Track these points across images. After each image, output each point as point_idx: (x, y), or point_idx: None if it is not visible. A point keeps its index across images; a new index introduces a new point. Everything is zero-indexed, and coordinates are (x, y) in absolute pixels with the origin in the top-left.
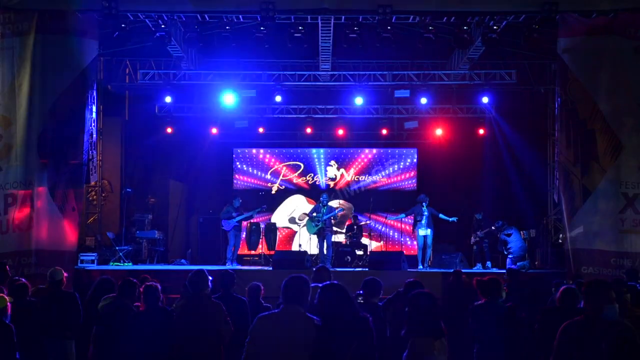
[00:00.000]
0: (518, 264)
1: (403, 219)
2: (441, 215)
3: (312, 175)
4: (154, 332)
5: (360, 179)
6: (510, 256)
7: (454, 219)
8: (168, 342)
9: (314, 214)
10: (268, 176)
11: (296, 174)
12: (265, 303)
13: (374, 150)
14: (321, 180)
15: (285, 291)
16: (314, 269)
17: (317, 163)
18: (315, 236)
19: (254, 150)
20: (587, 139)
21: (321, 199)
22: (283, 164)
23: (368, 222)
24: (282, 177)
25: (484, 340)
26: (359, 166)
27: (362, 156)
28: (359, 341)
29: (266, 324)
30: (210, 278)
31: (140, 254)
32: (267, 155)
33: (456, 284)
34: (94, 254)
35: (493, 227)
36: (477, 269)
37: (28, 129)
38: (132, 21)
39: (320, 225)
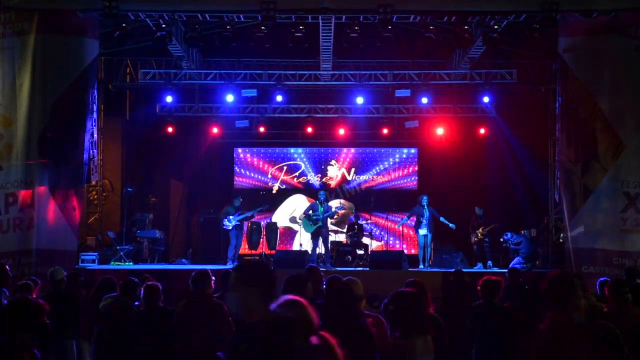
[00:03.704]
0: (521, 265)
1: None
2: (442, 219)
3: (313, 174)
4: (155, 332)
5: (361, 178)
6: (519, 258)
7: (453, 225)
8: (169, 341)
9: (311, 212)
10: (269, 175)
11: (297, 173)
12: None
13: (375, 150)
14: (322, 179)
15: (284, 290)
16: (305, 269)
17: (317, 162)
18: (310, 235)
19: (255, 150)
20: (587, 138)
21: (319, 196)
22: (284, 163)
23: (369, 221)
24: (283, 176)
25: (482, 340)
26: (360, 165)
27: (363, 155)
28: (356, 348)
29: None
30: (213, 278)
31: (141, 253)
32: (268, 155)
33: (457, 283)
34: (94, 254)
35: (502, 239)
36: (478, 268)
37: (29, 128)
38: (132, 21)
39: (320, 224)
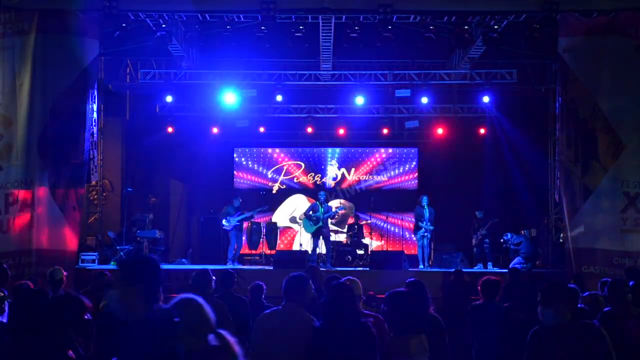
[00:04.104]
0: (521, 265)
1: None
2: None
3: (313, 174)
4: (155, 332)
5: (361, 178)
6: (519, 258)
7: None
8: (169, 341)
9: (311, 212)
10: (269, 175)
11: (297, 174)
12: (267, 302)
13: (375, 150)
14: (322, 179)
15: (286, 289)
16: (305, 268)
17: (317, 162)
18: (311, 235)
19: (254, 150)
20: (587, 138)
21: (319, 196)
22: (284, 164)
23: (369, 221)
24: (283, 176)
25: (482, 341)
26: (360, 166)
27: (363, 156)
28: (358, 348)
29: (267, 321)
30: (214, 278)
31: (141, 253)
32: (268, 155)
33: (457, 283)
34: (94, 254)
35: (502, 240)
36: (478, 268)
37: (29, 128)
38: (132, 20)
39: (320, 224)
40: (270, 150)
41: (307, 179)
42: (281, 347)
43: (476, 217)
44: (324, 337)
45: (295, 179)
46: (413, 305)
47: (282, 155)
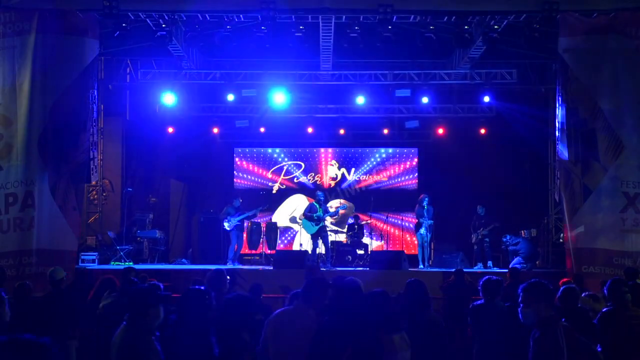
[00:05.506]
0: (521, 265)
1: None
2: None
3: (313, 174)
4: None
5: (361, 178)
6: (519, 258)
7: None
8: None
9: (309, 213)
10: (269, 175)
11: (297, 174)
12: (266, 302)
13: (375, 150)
14: (322, 179)
15: (303, 291)
16: (305, 268)
17: (317, 162)
18: (311, 235)
19: (254, 150)
20: (587, 138)
21: (318, 196)
22: (284, 164)
23: (369, 221)
24: (283, 176)
25: (482, 341)
26: (360, 166)
27: (363, 156)
28: (360, 346)
29: (279, 320)
30: (228, 278)
31: (141, 253)
32: (268, 155)
33: (458, 283)
34: (94, 254)
35: (502, 243)
36: (478, 268)
37: (29, 128)
38: (133, 20)
39: (321, 224)
40: (270, 150)
41: (307, 179)
42: (290, 346)
43: (477, 214)
44: (328, 333)
45: (295, 179)
46: (386, 305)
47: (282, 155)
